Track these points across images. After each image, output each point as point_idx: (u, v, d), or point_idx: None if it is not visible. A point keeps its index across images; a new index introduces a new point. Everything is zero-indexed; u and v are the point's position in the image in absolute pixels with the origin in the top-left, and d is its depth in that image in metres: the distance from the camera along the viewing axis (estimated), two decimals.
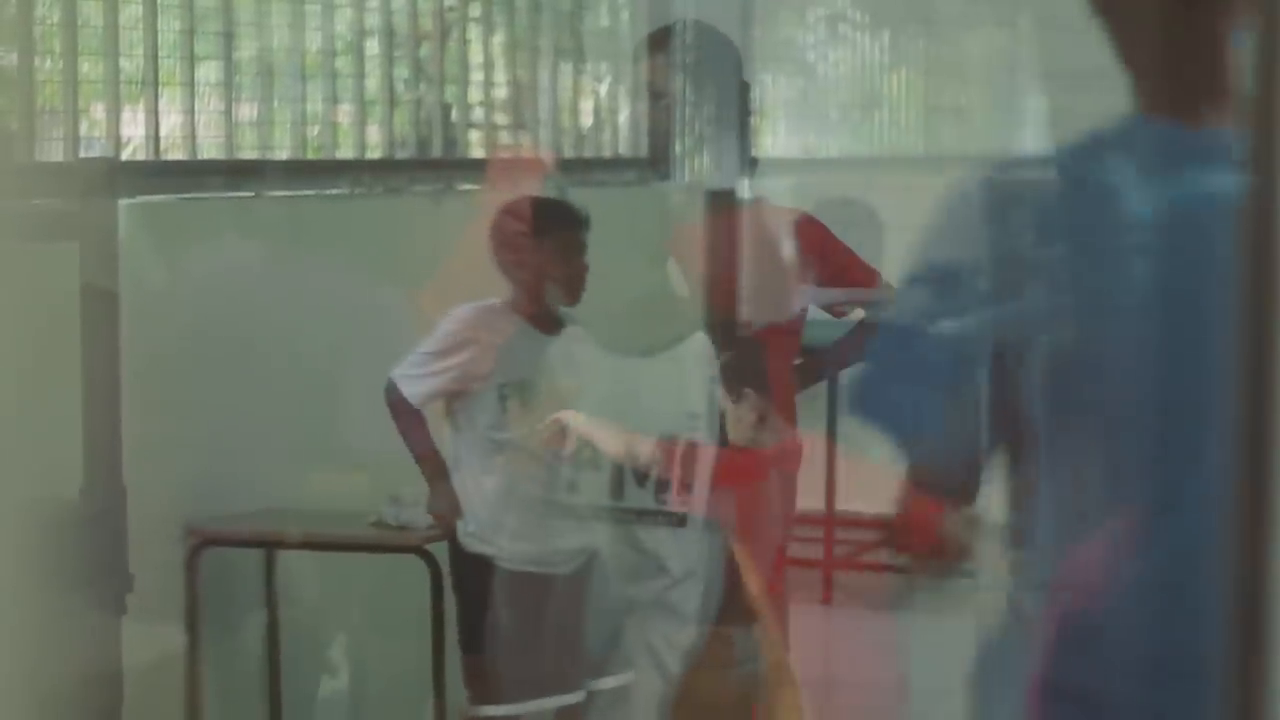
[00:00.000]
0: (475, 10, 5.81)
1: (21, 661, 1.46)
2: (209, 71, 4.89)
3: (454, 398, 4.19)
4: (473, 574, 4.20)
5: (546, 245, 4.16)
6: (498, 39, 5.89)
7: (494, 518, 4.19)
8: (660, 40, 4.62)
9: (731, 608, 3.91)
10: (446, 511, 4.26)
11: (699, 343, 4.19)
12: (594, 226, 4.34)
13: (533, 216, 4.22)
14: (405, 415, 4.20)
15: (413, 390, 4.18)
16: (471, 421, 4.19)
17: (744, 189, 4.58)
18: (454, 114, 5.72)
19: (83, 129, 4.56)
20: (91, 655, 3.58)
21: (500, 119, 5.98)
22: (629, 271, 4.34)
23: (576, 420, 3.98)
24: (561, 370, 4.16)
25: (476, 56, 5.80)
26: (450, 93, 5.70)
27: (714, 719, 3.99)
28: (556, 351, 4.17)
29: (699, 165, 5.55)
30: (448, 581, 4.30)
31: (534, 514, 4.16)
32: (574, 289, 4.18)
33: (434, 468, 4.25)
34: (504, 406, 4.15)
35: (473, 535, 4.21)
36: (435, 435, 4.27)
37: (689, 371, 4.03)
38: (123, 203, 4.06)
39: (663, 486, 3.93)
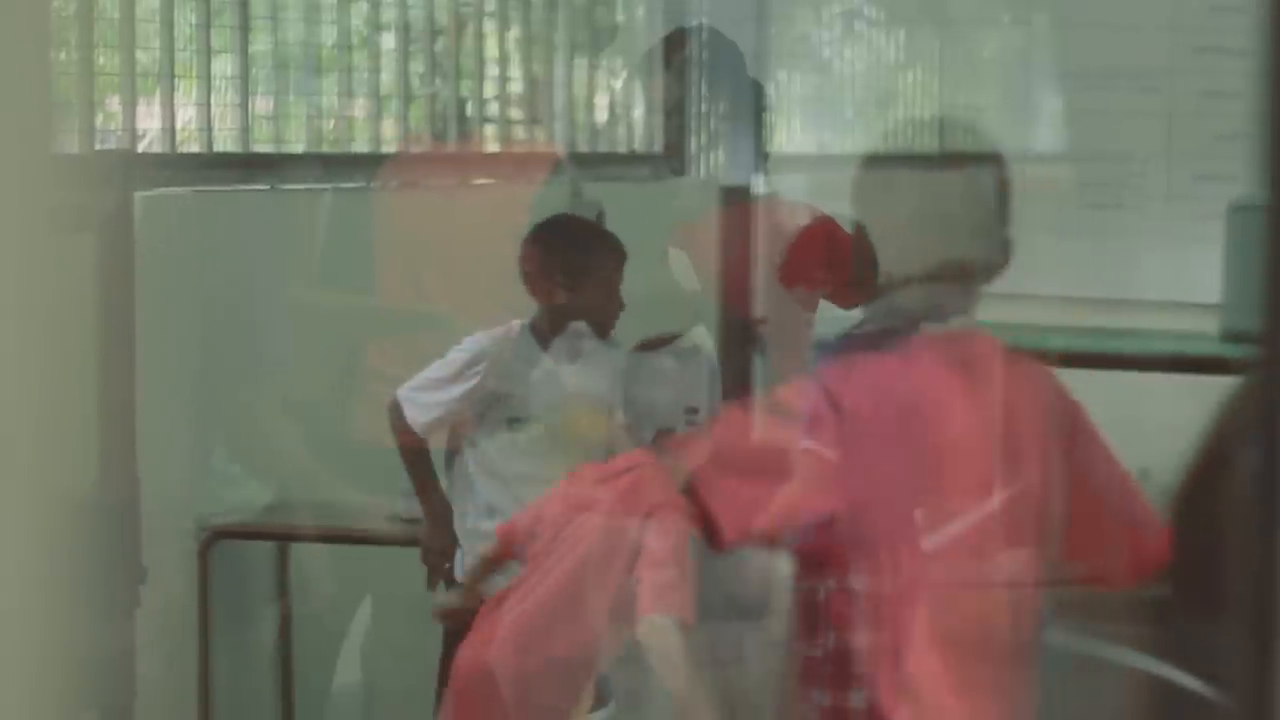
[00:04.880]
0: (491, 5, 5.81)
1: (34, 653, 1.46)
2: (225, 65, 4.89)
3: (461, 426, 4.03)
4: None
5: (586, 283, 4.01)
6: (513, 34, 5.90)
7: None
8: (670, 50, 4.64)
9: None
10: (439, 556, 4.09)
11: (698, 337, 4.17)
12: (609, 222, 4.34)
13: (574, 251, 4.04)
14: (408, 442, 4.02)
15: (418, 417, 3.99)
16: (477, 453, 4.03)
17: (758, 185, 4.58)
18: (469, 109, 5.72)
19: (99, 121, 4.57)
20: (104, 647, 3.59)
21: (516, 114, 5.98)
22: (641, 267, 4.33)
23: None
24: (579, 398, 4.05)
25: (492, 51, 5.80)
26: (466, 87, 5.70)
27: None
28: (576, 378, 4.05)
29: (713, 161, 5.56)
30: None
31: None
32: (607, 326, 4.04)
33: (436, 504, 4.08)
34: (514, 440, 4.00)
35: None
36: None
37: (688, 366, 4.00)
38: (139, 195, 4.06)
39: None
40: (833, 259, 4.48)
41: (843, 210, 4.60)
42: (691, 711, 3.04)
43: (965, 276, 2.74)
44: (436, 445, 4.12)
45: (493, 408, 4.01)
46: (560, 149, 5.93)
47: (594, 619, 3.30)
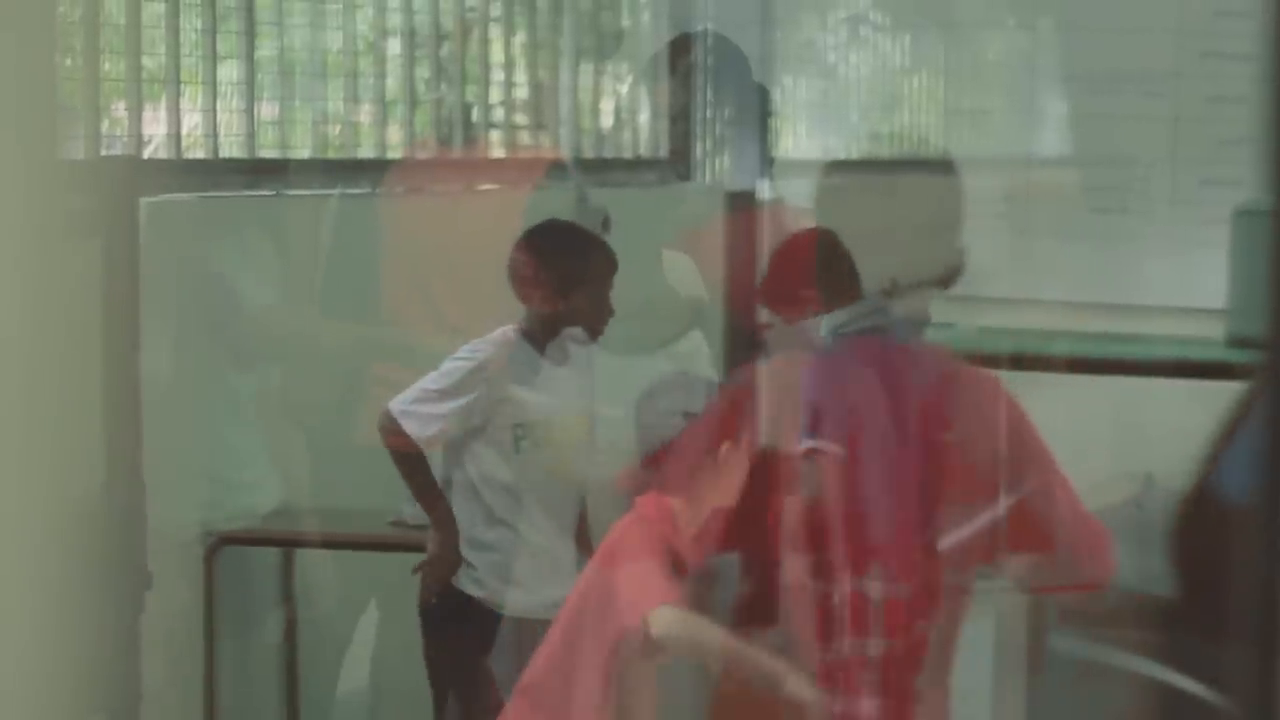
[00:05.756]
0: (496, 10, 5.81)
1: (40, 657, 1.46)
2: (230, 70, 4.90)
3: (464, 436, 4.00)
4: (461, 612, 4.03)
5: (578, 290, 3.99)
6: (519, 39, 5.90)
7: (499, 563, 4.03)
8: (675, 56, 4.64)
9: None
10: (449, 565, 4.04)
11: (694, 341, 4.16)
12: (614, 227, 4.33)
13: (566, 257, 4.02)
14: (407, 455, 3.98)
15: (419, 430, 3.94)
16: (480, 463, 4.01)
17: (763, 190, 4.58)
18: (475, 114, 5.72)
19: (104, 127, 4.58)
20: (110, 653, 3.59)
21: (521, 119, 5.98)
22: (646, 272, 4.34)
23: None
24: (575, 402, 4.05)
25: (497, 57, 5.81)
26: (471, 93, 5.71)
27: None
28: (569, 382, 4.05)
29: (719, 166, 5.56)
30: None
31: (542, 562, 4.00)
32: (598, 331, 4.02)
33: (442, 513, 4.03)
34: (518, 447, 3.99)
35: (475, 580, 4.05)
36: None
37: (684, 370, 3.99)
38: (144, 201, 4.07)
39: None
40: (814, 273, 4.47)
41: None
42: (746, 660, 2.95)
43: (922, 283, 2.77)
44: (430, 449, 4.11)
45: (495, 416, 3.99)
46: (565, 154, 5.93)
47: (593, 671, 3.29)
